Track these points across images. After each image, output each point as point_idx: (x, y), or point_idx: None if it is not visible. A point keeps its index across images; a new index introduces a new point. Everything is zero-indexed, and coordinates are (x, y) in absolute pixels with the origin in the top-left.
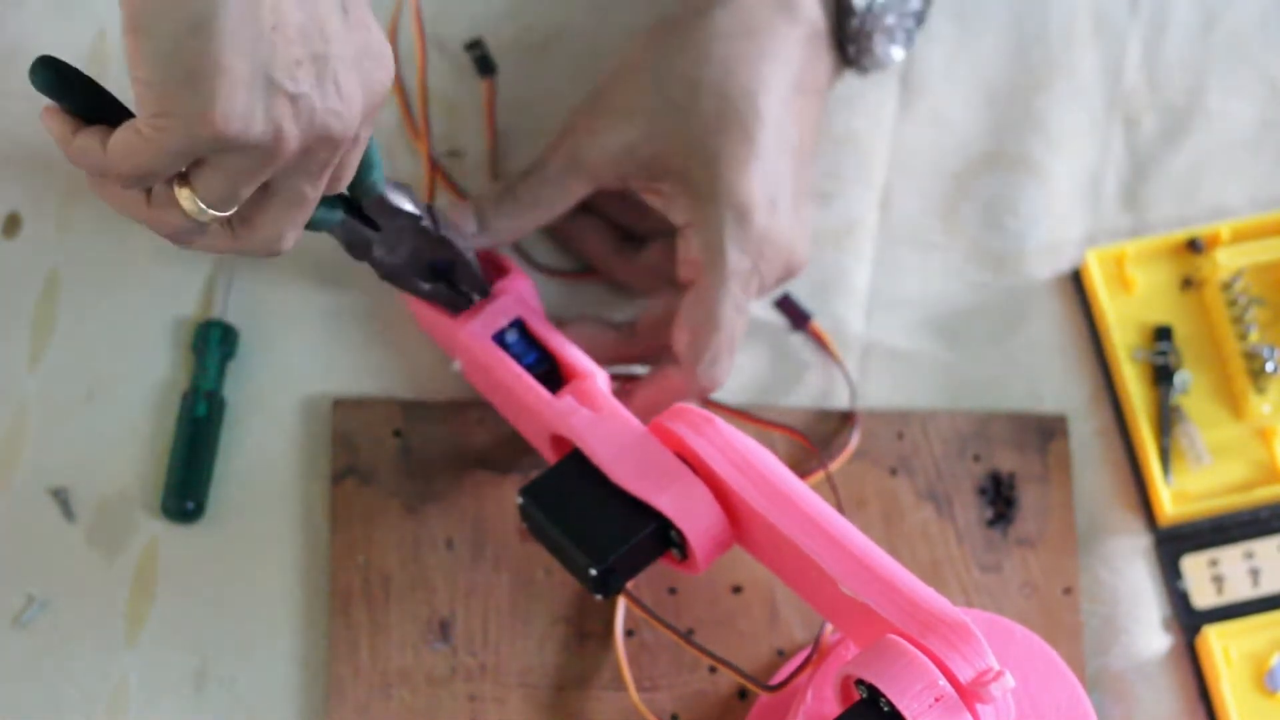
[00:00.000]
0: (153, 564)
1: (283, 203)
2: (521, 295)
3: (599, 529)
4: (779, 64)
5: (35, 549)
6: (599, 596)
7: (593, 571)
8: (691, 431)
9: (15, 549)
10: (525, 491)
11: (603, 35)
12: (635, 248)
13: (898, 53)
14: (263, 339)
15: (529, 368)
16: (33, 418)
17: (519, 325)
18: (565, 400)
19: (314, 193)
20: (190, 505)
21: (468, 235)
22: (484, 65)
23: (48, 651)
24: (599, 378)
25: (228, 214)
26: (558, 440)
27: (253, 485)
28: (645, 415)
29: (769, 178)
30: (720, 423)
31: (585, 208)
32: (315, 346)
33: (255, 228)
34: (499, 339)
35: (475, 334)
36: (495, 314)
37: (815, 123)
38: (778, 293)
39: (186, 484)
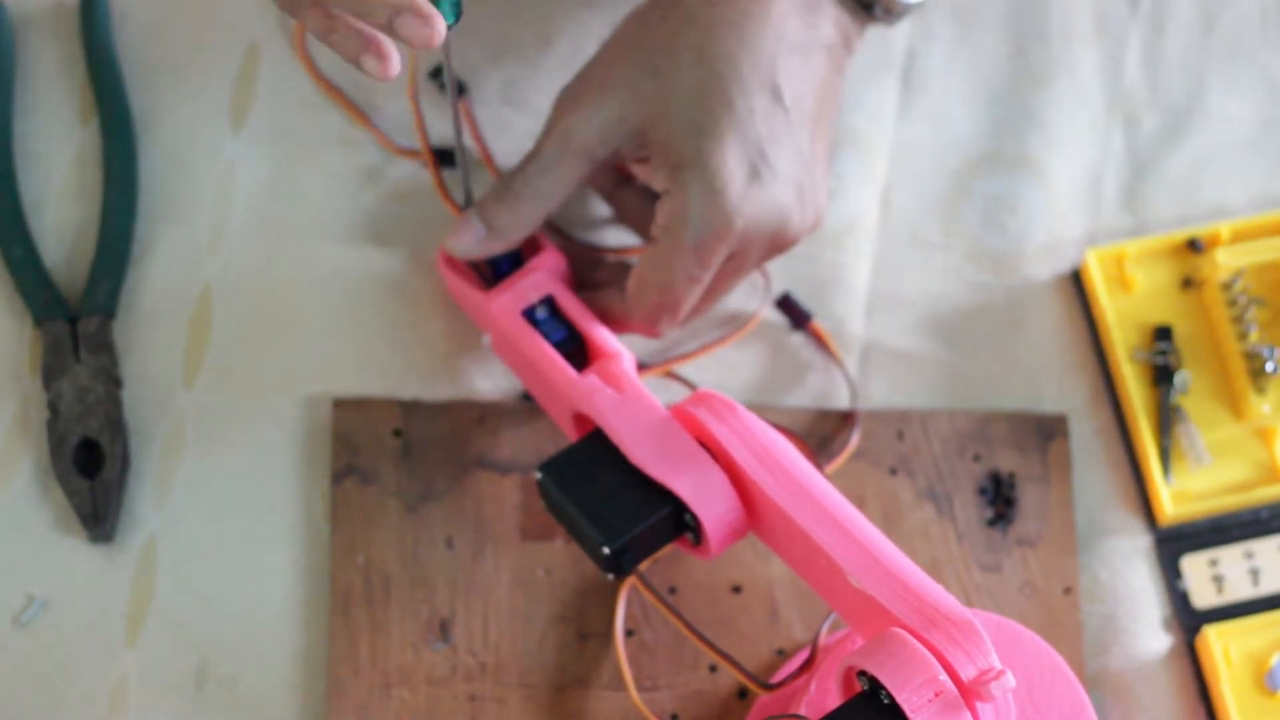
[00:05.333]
0: (153, 564)
1: None
2: (554, 272)
3: (615, 508)
4: (765, 24)
5: (35, 549)
6: (611, 576)
7: (605, 550)
8: (713, 418)
9: (15, 549)
10: (544, 468)
11: (605, 35)
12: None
13: None
14: (263, 338)
15: (557, 345)
16: None
17: (549, 302)
18: (590, 379)
19: None
20: None
21: (474, 243)
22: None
23: (48, 651)
24: (625, 359)
25: None
26: (580, 418)
27: (253, 485)
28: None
29: (751, 145)
30: (742, 410)
31: (628, 179)
32: (315, 346)
33: None
34: (529, 315)
35: (505, 309)
36: (527, 290)
37: (822, 81)
38: (778, 292)
39: None
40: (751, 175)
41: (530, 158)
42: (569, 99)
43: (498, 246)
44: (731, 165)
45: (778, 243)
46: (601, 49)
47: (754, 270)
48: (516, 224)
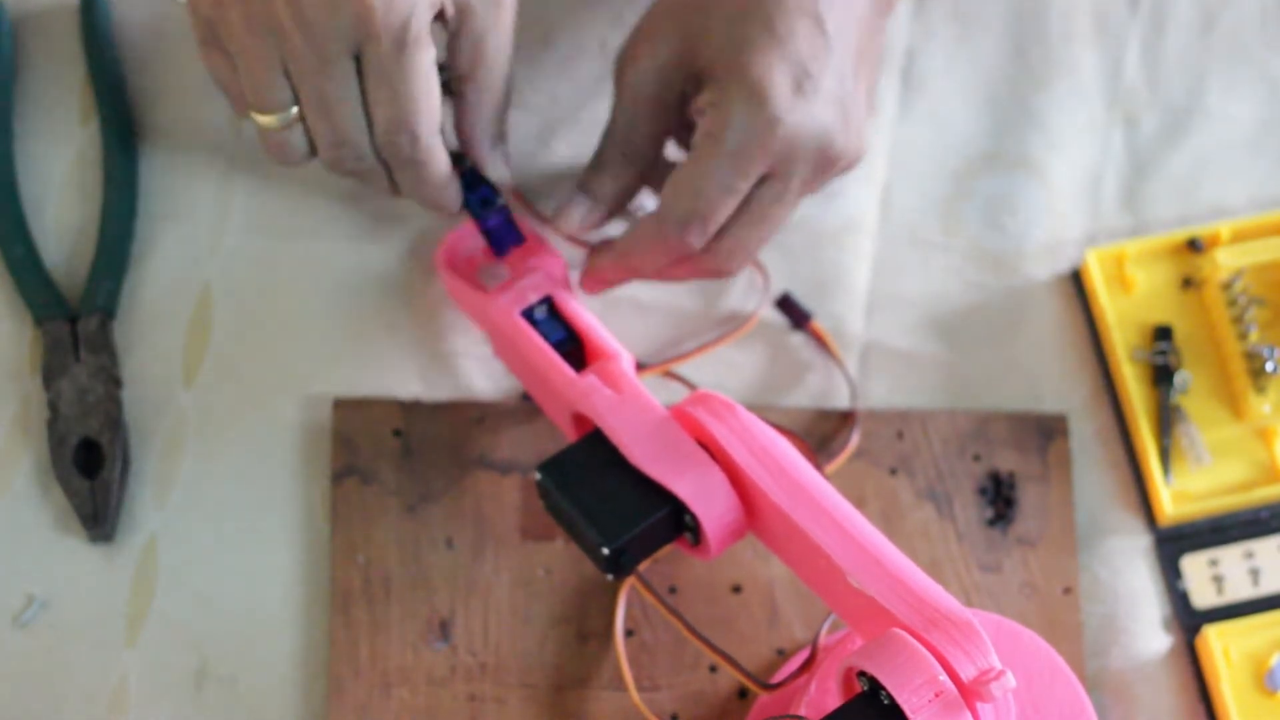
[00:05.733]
0: (153, 564)
1: None
2: (553, 273)
3: (614, 509)
4: None
5: (35, 549)
6: (610, 576)
7: (605, 551)
8: (712, 418)
9: (15, 549)
10: (543, 468)
11: (605, 34)
12: None
13: None
14: (263, 338)
15: (556, 345)
16: None
17: (548, 303)
18: (588, 379)
19: None
20: None
21: (581, 216)
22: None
23: (48, 651)
24: (624, 359)
25: None
26: (579, 419)
27: (253, 485)
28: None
29: (793, 62)
30: (741, 410)
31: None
32: (315, 346)
33: None
34: (528, 315)
35: (504, 309)
36: (525, 290)
37: (863, 19)
38: (778, 292)
39: None
40: (795, 87)
41: (609, 122)
42: (625, 56)
43: (604, 215)
44: (775, 76)
45: (821, 165)
46: (650, 6)
47: (796, 203)
48: (614, 187)
